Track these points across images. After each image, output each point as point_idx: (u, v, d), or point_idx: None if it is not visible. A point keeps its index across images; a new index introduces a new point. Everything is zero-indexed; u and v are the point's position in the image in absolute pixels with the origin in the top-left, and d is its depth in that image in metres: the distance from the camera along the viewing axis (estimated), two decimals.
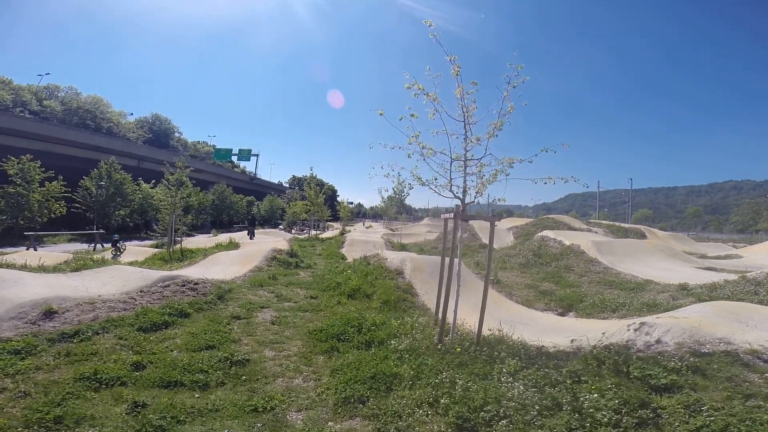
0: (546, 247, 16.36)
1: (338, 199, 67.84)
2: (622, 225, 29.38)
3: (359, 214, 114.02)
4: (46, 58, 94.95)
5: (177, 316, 7.19)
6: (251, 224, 36.01)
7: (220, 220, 51.80)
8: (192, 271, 11.43)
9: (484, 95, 5.94)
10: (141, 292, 8.14)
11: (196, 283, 8.96)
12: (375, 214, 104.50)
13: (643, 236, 23.72)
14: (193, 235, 34.42)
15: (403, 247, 20.61)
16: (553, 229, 23.00)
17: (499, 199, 6.03)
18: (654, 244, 17.35)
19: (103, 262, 11.96)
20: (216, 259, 13.50)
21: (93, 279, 9.05)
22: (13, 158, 26.26)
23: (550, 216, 27.58)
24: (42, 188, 27.18)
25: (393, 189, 21.75)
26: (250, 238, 24.65)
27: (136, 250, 19.62)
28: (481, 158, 5.49)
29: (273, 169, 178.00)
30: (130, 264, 15.26)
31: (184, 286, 8.72)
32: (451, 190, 5.60)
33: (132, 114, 71.60)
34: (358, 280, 9.71)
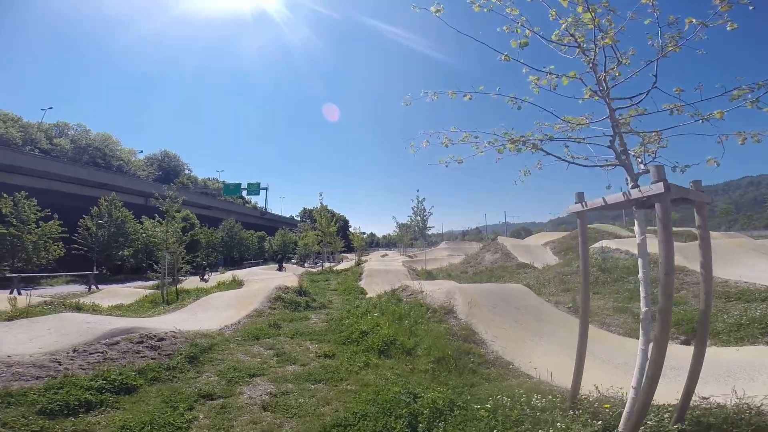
0: (611, 259, 13.50)
1: (350, 229, 65.47)
2: (673, 229, 26.19)
3: (372, 243, 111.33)
4: (54, 95, 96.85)
5: (114, 391, 4.69)
6: (280, 260, 33.64)
7: (231, 257, 49.61)
8: (170, 319, 8.88)
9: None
10: (75, 351, 5.61)
11: (160, 339, 6.39)
12: (388, 243, 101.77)
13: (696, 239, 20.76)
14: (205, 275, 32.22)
15: (429, 274, 17.83)
16: (599, 241, 20.27)
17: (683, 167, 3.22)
18: (741, 243, 14.45)
19: (53, 309, 9.45)
20: (208, 302, 10.92)
21: (21, 331, 6.59)
22: (5, 196, 24.52)
23: (590, 226, 24.58)
24: (38, 228, 25.24)
25: (414, 210, 19.33)
26: (279, 270, 22.56)
27: (127, 292, 17.18)
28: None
29: (283, 203, 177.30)
30: (116, 307, 12.86)
31: (141, 343, 6.16)
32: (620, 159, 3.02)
33: (142, 151, 71.40)
34: (390, 326, 6.99)
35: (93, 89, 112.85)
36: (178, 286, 19.30)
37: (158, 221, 16.21)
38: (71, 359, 5.40)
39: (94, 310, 11.24)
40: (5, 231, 23.60)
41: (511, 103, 3.79)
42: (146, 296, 14.63)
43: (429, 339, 6.21)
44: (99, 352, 5.68)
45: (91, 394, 4.49)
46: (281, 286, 11.23)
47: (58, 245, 26.47)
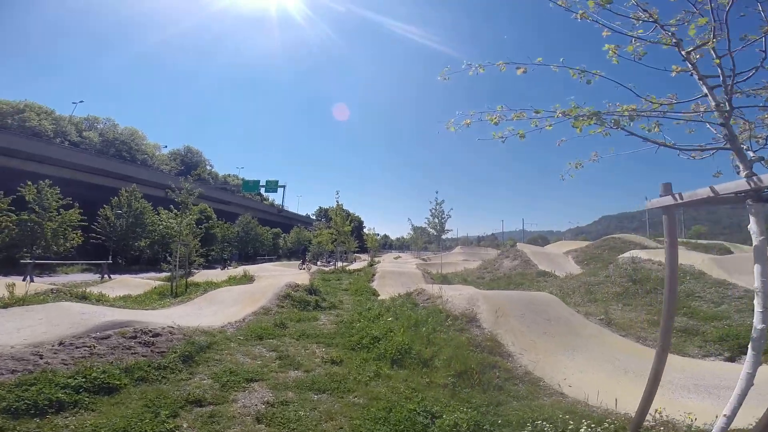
0: (642, 270, 12.51)
1: (364, 230, 65.04)
2: (701, 242, 24.87)
3: (385, 245, 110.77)
4: (86, 90, 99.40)
5: (93, 391, 4.19)
6: (303, 253, 33.11)
7: (246, 252, 49.66)
8: (173, 313, 8.41)
9: None
10: (61, 344, 5.13)
11: (155, 335, 5.88)
12: (401, 245, 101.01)
13: (730, 252, 19.53)
14: (216, 268, 32.07)
15: (445, 279, 17.07)
16: (625, 251, 19.21)
17: None
18: None
19: (56, 297, 9.10)
20: (214, 296, 10.44)
21: (11, 320, 6.19)
22: (30, 183, 24.79)
23: (615, 236, 23.49)
24: (58, 216, 25.44)
25: (432, 211, 18.56)
26: (301, 268, 22.21)
27: (138, 282, 16.93)
28: None
29: (300, 202, 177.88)
30: (123, 298, 12.53)
31: (134, 338, 5.66)
32: None
33: (166, 146, 72.52)
34: (405, 332, 6.33)
35: (124, 85, 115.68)
36: (190, 279, 19.07)
37: (174, 213, 15.86)
38: (55, 353, 4.92)
39: (98, 300, 10.89)
40: (26, 217, 23.79)
41: (577, 78, 3.14)
42: (155, 288, 14.30)
43: (449, 349, 5.53)
44: (86, 347, 5.19)
45: (65, 393, 3.98)
46: (291, 283, 10.68)
47: (77, 233, 26.63)
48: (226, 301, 9.76)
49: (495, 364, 5.31)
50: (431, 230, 19.08)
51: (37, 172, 32.05)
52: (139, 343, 5.72)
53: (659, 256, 13.38)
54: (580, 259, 20.91)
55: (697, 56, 2.87)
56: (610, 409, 4.13)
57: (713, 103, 2.80)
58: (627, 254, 14.67)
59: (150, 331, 6.09)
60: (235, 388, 4.70)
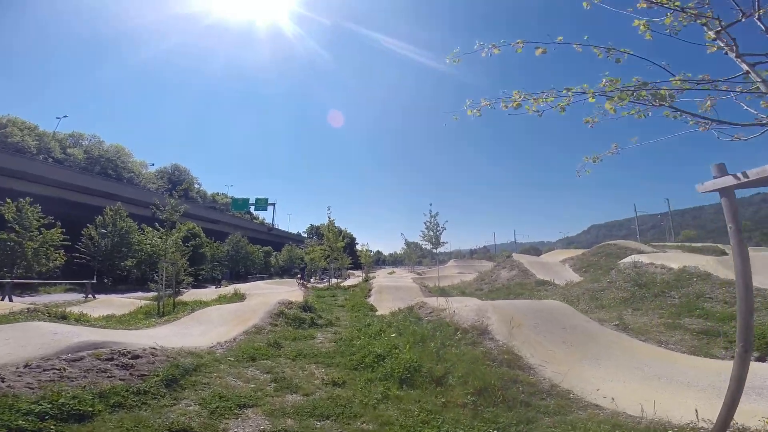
0: (646, 274, 12.23)
1: (357, 246, 64.30)
2: (694, 245, 24.97)
3: (378, 261, 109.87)
4: (72, 106, 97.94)
5: (61, 418, 3.68)
6: (303, 270, 32.08)
7: (237, 271, 48.51)
8: (158, 333, 7.77)
9: None
10: (26, 367, 4.56)
11: (135, 356, 5.29)
12: (395, 261, 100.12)
13: (725, 253, 19.43)
14: (206, 287, 31.06)
15: (443, 291, 16.55)
16: (623, 257, 19.00)
17: None
18: None
19: (30, 317, 8.40)
20: (203, 315, 9.78)
21: None
22: (9, 201, 23.85)
23: (611, 242, 23.26)
24: (39, 235, 24.43)
25: (426, 224, 18.06)
26: (302, 286, 21.39)
27: (122, 302, 16.10)
28: None
29: (290, 220, 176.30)
30: (106, 318, 11.78)
31: (110, 360, 5.08)
32: None
33: (153, 164, 71.38)
34: (411, 348, 5.82)
35: (110, 100, 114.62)
36: (178, 298, 18.26)
37: (160, 231, 15.22)
38: (19, 375, 4.32)
39: (78, 320, 10.19)
40: (5, 236, 22.78)
41: (605, 56, 2.83)
42: (141, 307, 13.54)
43: (463, 365, 5.02)
44: (56, 369, 4.58)
45: (28, 420, 3.42)
46: (284, 300, 10.09)
47: (59, 253, 25.59)
48: (215, 321, 9.12)
49: (516, 378, 4.83)
50: (426, 244, 18.58)
51: (17, 189, 31.03)
52: (117, 365, 5.12)
53: (660, 259, 13.17)
54: (578, 266, 20.65)
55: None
56: (660, 418, 3.67)
57: (758, 80, 2.48)
58: (628, 259, 14.43)
59: (129, 352, 5.49)
60: (226, 416, 4.13)
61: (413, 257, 42.79)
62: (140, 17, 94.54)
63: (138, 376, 5.01)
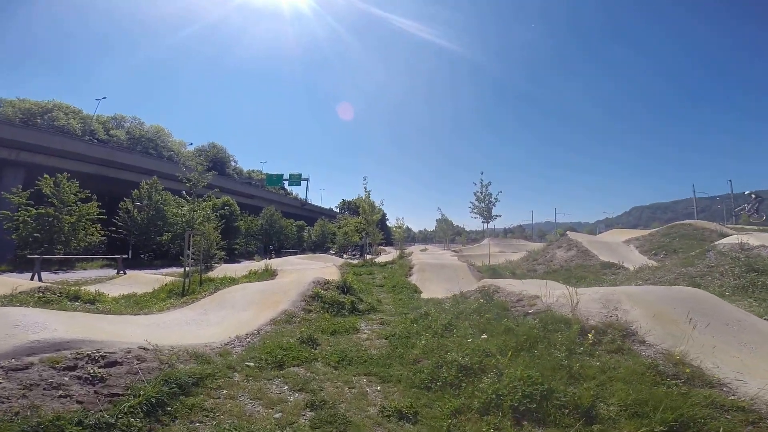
0: (759, 258, 9.71)
1: (387, 222, 62.45)
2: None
3: (408, 238, 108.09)
4: (115, 89, 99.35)
5: None
6: (362, 248, 30.15)
7: (271, 245, 47.86)
8: (164, 321, 6.10)
9: None
10: None
11: (111, 363, 3.56)
12: (425, 238, 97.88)
13: None
14: (240, 262, 30.18)
15: (494, 272, 14.40)
16: (701, 239, 16.31)
17: None
18: None
19: (28, 298, 6.94)
20: (226, 296, 8.07)
21: None
22: (47, 176, 23.28)
23: (685, 222, 20.17)
24: (76, 210, 23.87)
25: (477, 195, 15.84)
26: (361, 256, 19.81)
27: (148, 278, 14.89)
28: None
29: (323, 195, 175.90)
30: (125, 297, 10.44)
31: (72, 369, 3.40)
32: None
33: (192, 144, 71.51)
34: (517, 357, 3.75)
35: (149, 83, 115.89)
36: (208, 274, 16.99)
37: (187, 200, 13.69)
38: None
39: (92, 300, 8.81)
40: (43, 211, 22.26)
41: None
42: (165, 285, 12.13)
43: (620, 385, 2.98)
44: None
45: None
46: (319, 279, 8.23)
47: (96, 227, 25.08)
48: (239, 304, 7.38)
49: (711, 401, 2.71)
50: (476, 216, 16.37)
51: (59, 167, 30.80)
52: (79, 377, 3.36)
53: None
54: (646, 248, 17.82)
55: None
56: None
57: None
58: (727, 240, 11.74)
59: (103, 356, 3.73)
60: None
61: (448, 234, 40.60)
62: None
63: (107, 396, 3.24)
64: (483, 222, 16.60)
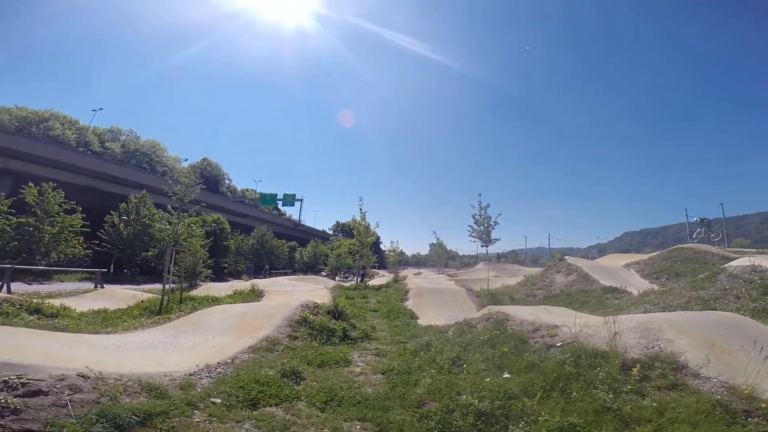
0: None
1: (381, 246, 61.53)
2: (765, 251, 21.27)
3: (401, 261, 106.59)
4: (112, 101, 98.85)
5: None
6: (363, 269, 29.44)
7: (261, 265, 46.53)
8: (126, 342, 5.22)
9: None
10: None
11: (34, 392, 2.73)
12: (417, 262, 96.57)
13: None
14: (228, 281, 28.99)
15: (494, 297, 13.60)
16: (703, 262, 16.30)
17: None
18: None
19: None
20: (202, 318, 7.18)
21: None
22: (32, 185, 22.35)
23: (685, 246, 19.75)
24: (59, 221, 22.83)
25: (475, 218, 15.19)
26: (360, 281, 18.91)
27: (125, 294, 13.87)
28: None
29: (317, 217, 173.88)
30: (96, 313, 9.46)
31: None
32: None
33: (186, 159, 70.75)
34: (548, 399, 2.95)
35: (148, 99, 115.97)
36: (191, 292, 15.97)
37: (171, 215, 12.88)
38: None
39: (53, 315, 7.88)
40: (23, 220, 21.20)
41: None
42: (141, 302, 11.15)
43: (690, 430, 2.18)
44: None
45: None
46: (308, 303, 7.39)
47: (78, 240, 23.95)
48: (216, 327, 6.50)
49: None
50: (475, 240, 15.68)
51: (50, 177, 29.86)
52: None
53: None
54: (646, 272, 17.31)
55: None
56: None
57: None
58: (737, 263, 11.26)
59: (25, 383, 2.89)
60: None
61: (442, 257, 39.90)
62: (176, 18, 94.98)
63: None
64: (482, 246, 15.89)
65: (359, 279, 23.47)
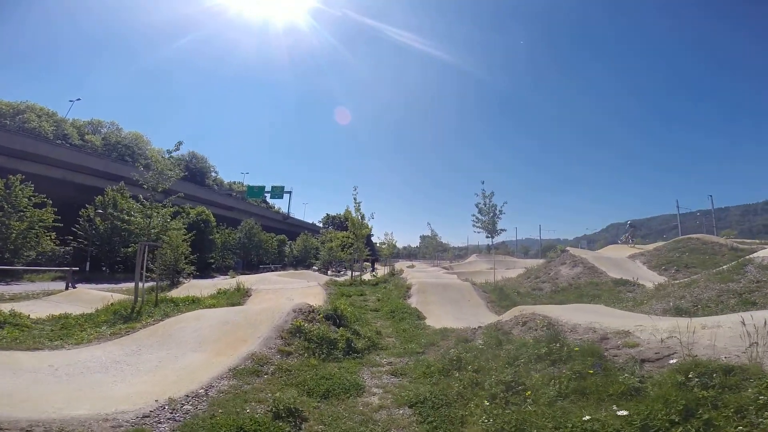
0: None
1: (372, 239, 60.28)
2: (755, 241, 20.94)
3: (392, 254, 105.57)
4: (93, 93, 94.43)
5: None
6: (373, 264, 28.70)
7: (249, 260, 44.86)
8: (73, 360, 3.92)
9: None
10: None
11: None
12: (409, 254, 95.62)
13: None
14: (214, 277, 27.47)
15: (502, 292, 12.53)
16: (712, 253, 15.69)
17: None
18: None
19: None
20: (173, 329, 5.84)
21: None
22: None
23: (692, 236, 18.96)
24: (27, 215, 20.99)
25: (479, 207, 14.02)
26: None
27: (94, 296, 12.40)
28: None
29: (306, 209, 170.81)
30: (55, 319, 8.07)
31: None
32: None
33: (170, 152, 68.40)
34: None
35: (132, 91, 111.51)
36: (170, 292, 14.62)
37: (142, 205, 11.44)
38: None
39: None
40: None
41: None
42: (111, 305, 9.74)
43: None
44: None
45: None
46: (302, 307, 6.11)
47: (51, 236, 22.16)
48: (189, 340, 5.20)
49: None
50: (479, 231, 14.54)
51: (21, 170, 27.73)
52: None
53: None
54: (653, 263, 16.50)
55: None
56: None
57: None
58: (764, 253, 10.35)
59: None
60: None
61: (437, 249, 39.06)
62: (165, 12, 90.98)
63: None
64: (487, 237, 14.77)
65: (363, 272, 22.24)
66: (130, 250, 26.41)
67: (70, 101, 53.75)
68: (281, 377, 4.11)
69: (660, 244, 19.66)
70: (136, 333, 5.84)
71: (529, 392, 3.13)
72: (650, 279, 14.18)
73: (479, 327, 5.94)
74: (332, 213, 76.55)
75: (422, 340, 6.40)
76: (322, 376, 4.11)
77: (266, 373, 4.18)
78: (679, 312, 8.44)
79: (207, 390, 3.70)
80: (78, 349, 5.20)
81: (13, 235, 19.99)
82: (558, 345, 3.72)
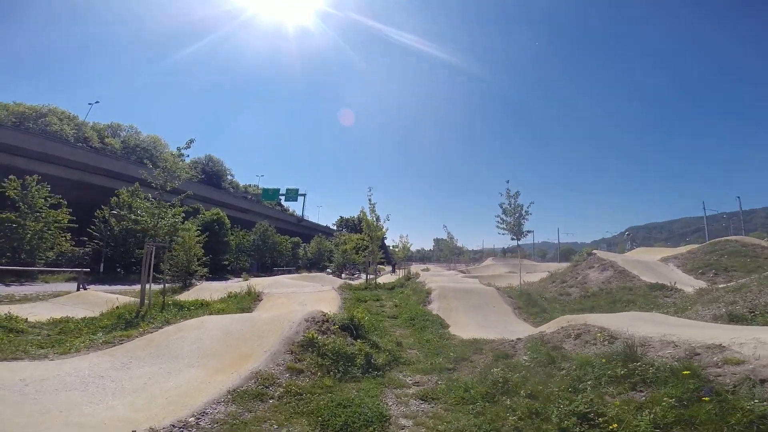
0: None
1: (385, 242, 59.49)
2: None
3: (405, 257, 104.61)
4: (114, 98, 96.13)
5: None
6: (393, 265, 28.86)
7: (263, 262, 44.53)
8: (52, 374, 3.25)
9: None
10: None
11: None
12: (422, 257, 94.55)
13: None
14: (228, 279, 27.11)
15: (529, 298, 11.59)
16: (752, 255, 14.66)
17: None
18: None
19: None
20: (171, 338, 5.19)
21: None
22: (13, 177, 20.47)
23: (730, 238, 17.71)
24: (43, 215, 20.92)
25: (503, 207, 13.16)
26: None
27: (102, 299, 11.91)
28: None
29: (320, 212, 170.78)
30: (54, 323, 7.57)
31: None
32: None
33: (188, 156, 69.17)
34: None
35: (150, 95, 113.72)
36: (184, 292, 14.17)
37: (151, 202, 10.96)
38: None
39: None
40: (4, 215, 19.30)
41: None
42: (117, 308, 9.24)
43: None
44: None
45: None
46: (315, 315, 5.38)
47: (66, 236, 22.07)
48: (186, 352, 4.53)
49: None
50: (504, 233, 13.67)
51: (40, 171, 27.95)
52: None
53: None
54: (688, 267, 15.40)
55: None
56: None
57: None
58: None
59: None
60: None
61: (453, 252, 38.16)
62: (176, 17, 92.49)
63: None
64: (513, 239, 13.89)
65: (378, 275, 21.59)
66: (143, 251, 26.33)
67: (89, 104, 54.61)
68: (290, 403, 3.39)
69: (693, 246, 18.38)
70: (131, 342, 5.21)
71: (614, 425, 2.34)
72: (687, 283, 13.09)
73: (518, 339, 5.13)
74: (346, 216, 76.08)
75: (450, 354, 5.62)
76: (338, 403, 3.37)
77: (272, 397, 3.47)
78: (734, 319, 7.45)
79: (198, 419, 3.00)
80: (62, 359, 4.59)
81: (29, 235, 19.90)
82: (639, 364, 2.90)
